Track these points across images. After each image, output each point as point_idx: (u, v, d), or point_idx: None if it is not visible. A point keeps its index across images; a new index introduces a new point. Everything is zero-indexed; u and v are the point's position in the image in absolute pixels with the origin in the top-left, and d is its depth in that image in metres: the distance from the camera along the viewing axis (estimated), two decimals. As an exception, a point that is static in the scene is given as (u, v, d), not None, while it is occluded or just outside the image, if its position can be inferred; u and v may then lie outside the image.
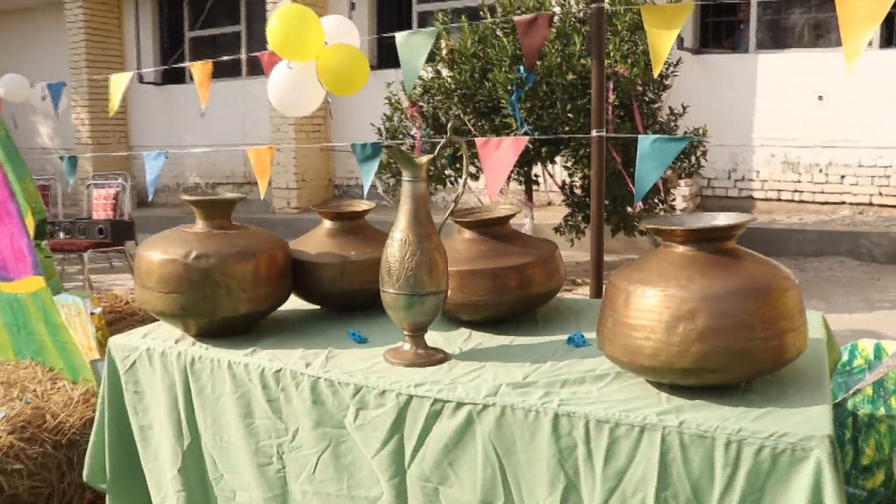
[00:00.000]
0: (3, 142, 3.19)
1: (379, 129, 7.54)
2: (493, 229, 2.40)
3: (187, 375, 2.21)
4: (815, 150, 8.67)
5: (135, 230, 6.72)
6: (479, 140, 3.21)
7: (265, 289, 2.28)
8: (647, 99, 6.25)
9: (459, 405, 1.83)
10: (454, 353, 2.14)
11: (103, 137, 11.86)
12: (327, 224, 2.61)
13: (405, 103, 7.38)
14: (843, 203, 8.76)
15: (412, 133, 6.90)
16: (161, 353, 2.26)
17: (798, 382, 1.88)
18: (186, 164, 11.93)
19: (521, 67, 5.34)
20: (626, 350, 1.78)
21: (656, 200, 6.56)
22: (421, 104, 6.55)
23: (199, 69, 3.89)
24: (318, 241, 2.54)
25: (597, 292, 3.10)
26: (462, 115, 6.15)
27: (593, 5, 3.29)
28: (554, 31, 5.80)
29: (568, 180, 7.09)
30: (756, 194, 9.16)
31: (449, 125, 2.14)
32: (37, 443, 2.97)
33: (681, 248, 1.84)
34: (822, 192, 8.88)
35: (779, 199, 9.08)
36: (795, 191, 9.00)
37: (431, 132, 6.93)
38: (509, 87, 5.40)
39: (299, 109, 3.71)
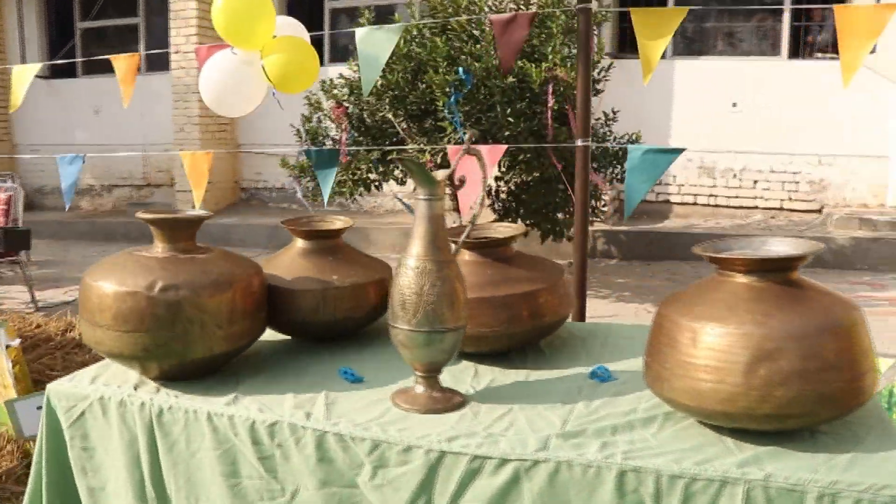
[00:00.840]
0: None
1: (298, 131, 7.16)
2: (496, 251, 2.14)
3: (153, 429, 1.85)
4: (729, 155, 8.77)
5: (31, 238, 6.12)
6: (450, 148, 2.94)
7: (243, 323, 1.95)
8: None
9: (504, 462, 1.56)
10: (469, 394, 1.87)
11: (-18, 135, 10.97)
12: (300, 243, 2.28)
13: (326, 104, 7.04)
14: (756, 208, 8.90)
15: (334, 136, 6.57)
16: (119, 403, 1.89)
17: (860, 418, 1.70)
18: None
19: (460, 69, 5.09)
20: (693, 394, 1.55)
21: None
22: (346, 105, 6.22)
23: (123, 62, 3.46)
24: (291, 264, 2.21)
25: (580, 315, 2.89)
26: (392, 118, 5.86)
27: (580, 6, 3.07)
28: (487, 32, 5.58)
29: (494, 185, 6.90)
30: (673, 198, 9.21)
31: (467, 134, 1.86)
32: (-55, 500, 2.52)
33: (744, 279, 1.62)
34: (736, 197, 8.99)
35: (695, 204, 9.15)
36: (711, 195, 9.09)
37: (356, 135, 6.62)
38: (447, 90, 5.14)
39: (238, 108, 3.34)
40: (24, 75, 3.63)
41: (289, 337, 2.30)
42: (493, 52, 5.48)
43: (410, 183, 6.82)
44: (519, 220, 6.97)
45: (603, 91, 6.34)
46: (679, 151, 2.70)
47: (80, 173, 3.72)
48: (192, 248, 1.98)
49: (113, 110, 10.97)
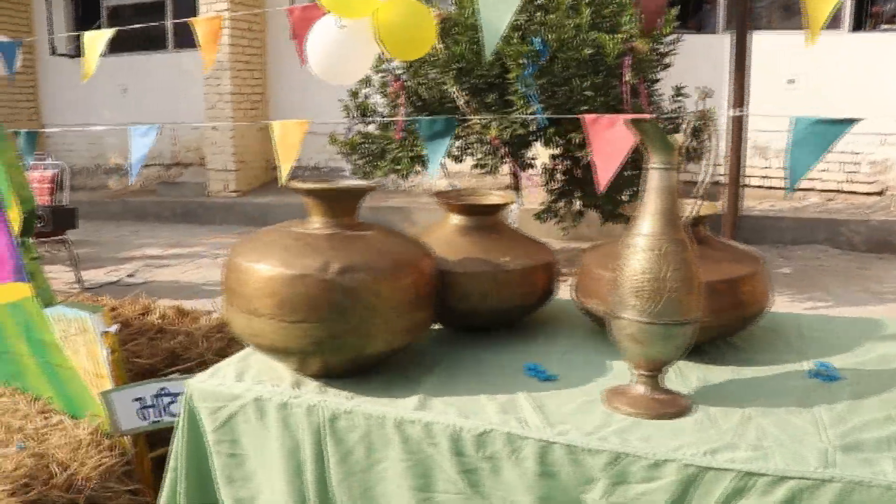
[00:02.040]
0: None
1: (346, 107, 6.88)
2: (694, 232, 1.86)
3: (322, 436, 1.59)
4: (784, 134, 8.45)
5: (77, 217, 5.87)
6: (588, 117, 2.66)
7: (419, 313, 1.68)
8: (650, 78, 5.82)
9: (780, 480, 1.30)
10: (688, 395, 1.61)
11: (10, 115, 10.65)
12: (455, 220, 2.01)
13: (375, 78, 6.76)
14: (812, 189, 8.59)
15: (380, 113, 6.28)
16: (280, 405, 1.63)
17: None
18: (106, 143, 10.87)
19: (536, 39, 4.80)
20: None
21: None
22: (405, 79, 5.94)
23: (204, 25, 3.19)
24: (450, 244, 1.94)
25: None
26: (456, 92, 5.57)
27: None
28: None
29: (549, 164, 6.61)
30: (724, 179, 8.91)
31: (701, 91, 1.58)
32: (44, 504, 2.27)
33: None
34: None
35: (747, 185, 8.84)
36: (764, 176, 8.79)
37: (411, 110, 6.33)
38: (522, 61, 4.85)
39: (347, 75, 3.08)
40: (95, 42, 3.35)
41: (438, 326, 2.03)
42: (567, 23, 5.19)
43: (467, 161, 6.55)
44: (577, 201, 6.70)
45: (671, 66, 6.03)
46: (853, 122, 2.43)
47: (153, 146, 3.46)
48: (355, 225, 1.71)
49: (141, 89, 10.69)
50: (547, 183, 6.66)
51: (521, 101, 5.08)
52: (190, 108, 9.92)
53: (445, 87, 5.61)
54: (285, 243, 1.63)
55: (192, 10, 10.12)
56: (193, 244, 7.84)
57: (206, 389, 1.70)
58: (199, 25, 3.21)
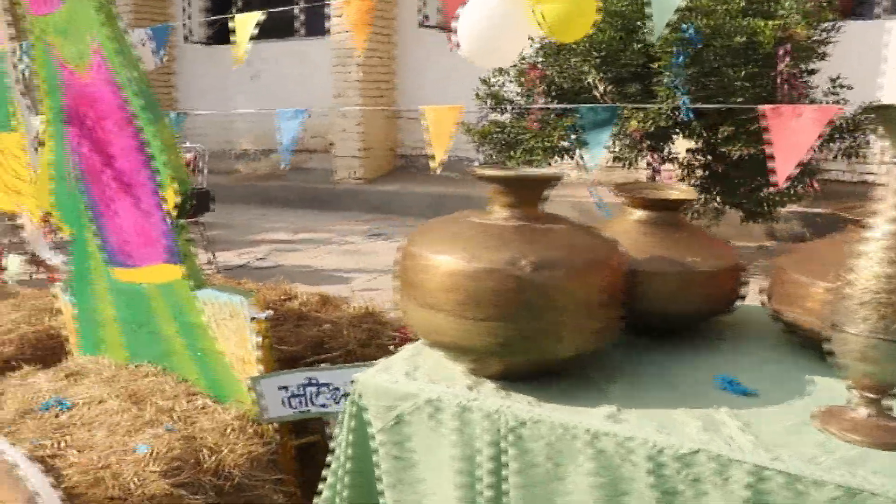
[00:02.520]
0: (143, 91, 2.44)
1: (478, 95, 6.77)
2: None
3: (503, 443, 1.47)
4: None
5: (213, 200, 5.97)
6: (768, 108, 2.44)
7: (612, 314, 1.54)
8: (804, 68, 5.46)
9: None
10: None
11: (148, 99, 11.05)
12: (636, 215, 1.85)
13: (510, 66, 6.62)
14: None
15: (514, 102, 6.12)
16: (458, 408, 1.51)
17: None
18: (235, 128, 11.13)
19: (688, 26, 4.55)
20: None
21: (799, 186, 5.77)
22: (544, 67, 5.77)
23: (356, 7, 3.11)
24: (631, 240, 1.78)
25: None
26: (597, 82, 5.37)
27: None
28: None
29: (688, 159, 6.32)
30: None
31: None
32: (195, 489, 2.24)
33: None
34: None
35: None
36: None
37: (545, 100, 6.16)
38: (672, 49, 4.61)
39: (499, 58, 2.96)
40: (247, 26, 3.33)
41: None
42: (718, 8, 4.91)
43: (603, 154, 6.33)
44: (715, 198, 6.38)
45: (831, 54, 5.64)
46: None
47: (301, 130, 3.43)
48: (541, 216, 1.58)
49: (271, 76, 10.88)
50: (684, 178, 6.38)
51: (667, 92, 4.85)
52: (318, 96, 10.03)
53: (585, 77, 5.42)
54: (469, 234, 1.51)
55: (323, -1, 10.24)
56: (321, 230, 7.90)
57: (377, 386, 1.60)
58: (350, 6, 3.14)
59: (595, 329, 1.50)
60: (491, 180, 1.57)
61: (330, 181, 9.61)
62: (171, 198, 2.52)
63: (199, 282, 2.61)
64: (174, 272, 2.67)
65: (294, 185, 9.75)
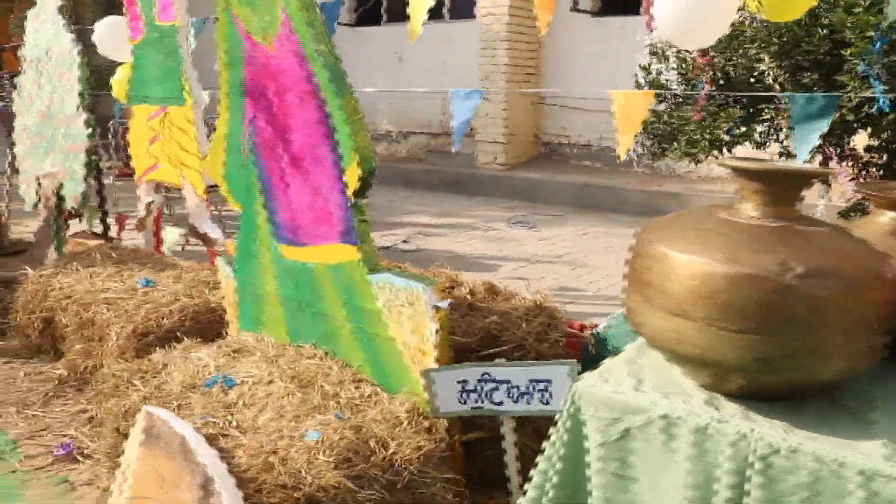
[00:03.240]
0: (331, 64, 2.35)
1: (637, 83, 6.46)
2: None
3: (748, 473, 1.28)
4: None
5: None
6: None
7: (882, 334, 1.32)
8: None
9: None
10: None
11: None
12: (887, 218, 1.61)
13: (671, 52, 6.28)
14: None
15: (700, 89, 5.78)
16: (697, 429, 1.33)
17: None
18: (377, 109, 11.17)
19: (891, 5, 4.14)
20: None
21: None
22: (713, 54, 5.42)
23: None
24: (886, 248, 1.54)
25: None
26: (772, 70, 5.00)
27: None
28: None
29: (865, 156, 5.83)
30: None
31: None
32: (366, 483, 2.14)
33: None
34: None
35: None
36: None
37: (712, 89, 5.81)
38: (871, 34, 4.21)
39: (704, 37, 2.74)
40: (421, 5, 3.22)
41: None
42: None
43: (772, 148, 5.94)
44: None
45: None
46: None
47: (474, 111, 3.30)
48: (799, 218, 1.37)
49: (414, 58, 10.85)
50: (857, 177, 5.90)
51: (856, 82, 4.45)
52: (461, 79, 9.92)
53: (759, 66, 5.06)
54: (721, 233, 1.32)
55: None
56: (463, 215, 7.80)
57: (600, 396, 1.44)
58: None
59: (865, 351, 1.29)
60: (744, 173, 1.37)
61: (472, 166, 9.49)
62: (352, 176, 2.42)
63: (374, 265, 2.52)
64: (347, 253, 2.58)
65: (435, 168, 9.68)
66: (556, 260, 6.02)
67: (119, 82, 4.36)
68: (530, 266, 5.80)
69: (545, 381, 2.23)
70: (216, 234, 3.89)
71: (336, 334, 2.78)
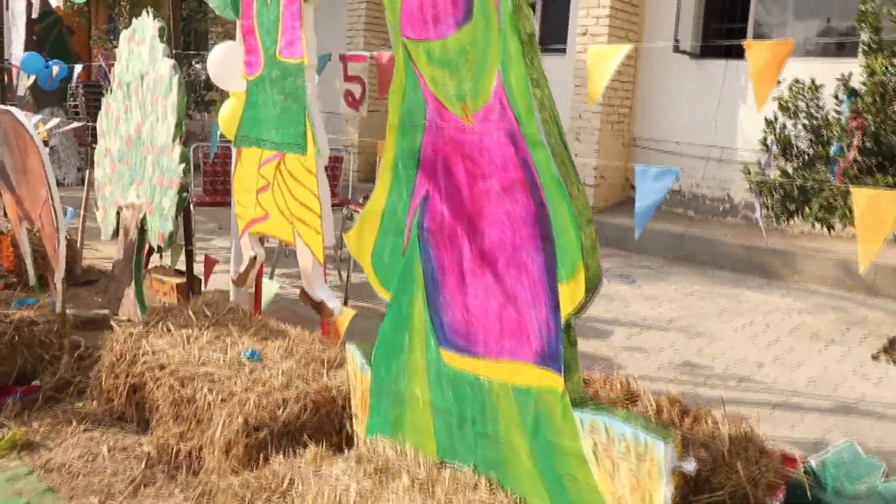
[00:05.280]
0: (560, 153, 1.85)
1: (764, 140, 5.94)
2: None
3: None
4: None
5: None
6: None
7: None
8: None
9: None
10: None
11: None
12: None
13: (801, 107, 5.77)
14: None
15: (843, 152, 5.23)
16: None
17: None
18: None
19: None
20: None
21: None
22: (866, 116, 4.88)
23: (764, 51, 2.41)
24: None
25: None
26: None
27: None
28: None
29: None
30: None
31: None
32: None
33: None
34: None
35: None
36: None
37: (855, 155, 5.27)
38: None
39: None
40: (604, 70, 2.72)
41: None
42: None
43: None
44: None
45: None
46: None
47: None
48: None
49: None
50: None
51: None
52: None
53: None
54: None
55: (564, 12, 9.64)
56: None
57: None
58: (758, 50, 2.45)
59: None
60: None
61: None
62: (572, 292, 1.92)
63: (582, 399, 2.00)
64: (544, 378, 2.08)
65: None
66: (669, 326, 5.49)
67: (226, 117, 3.91)
68: (644, 333, 5.27)
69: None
70: (333, 303, 3.40)
71: (509, 463, 2.27)
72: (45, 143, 9.89)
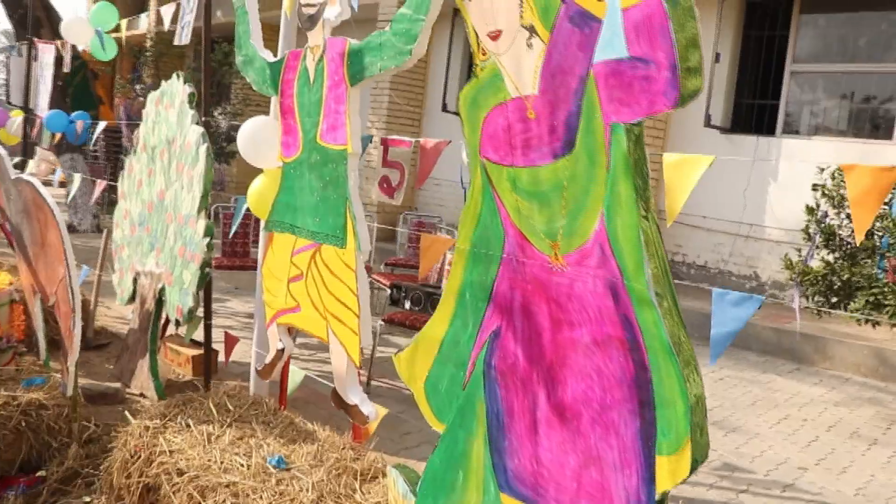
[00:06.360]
0: (677, 321, 1.63)
1: (805, 229, 5.75)
2: None
3: None
4: None
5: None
6: None
7: None
8: None
9: None
10: None
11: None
12: None
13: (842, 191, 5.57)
14: None
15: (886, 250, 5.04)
16: None
17: None
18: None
19: None
20: None
21: None
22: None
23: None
24: None
25: None
26: None
27: None
28: None
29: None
30: None
31: None
32: None
33: None
34: None
35: None
36: None
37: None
38: None
39: None
40: (681, 193, 2.50)
41: None
42: None
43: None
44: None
45: None
46: None
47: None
48: None
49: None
50: None
51: None
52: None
53: None
54: None
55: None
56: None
57: None
58: (859, 174, 2.24)
59: None
60: None
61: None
62: (673, 466, 1.68)
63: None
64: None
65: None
66: (703, 420, 5.22)
67: (256, 195, 3.70)
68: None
69: None
70: (367, 408, 3.16)
71: None
72: (63, 184, 9.75)
